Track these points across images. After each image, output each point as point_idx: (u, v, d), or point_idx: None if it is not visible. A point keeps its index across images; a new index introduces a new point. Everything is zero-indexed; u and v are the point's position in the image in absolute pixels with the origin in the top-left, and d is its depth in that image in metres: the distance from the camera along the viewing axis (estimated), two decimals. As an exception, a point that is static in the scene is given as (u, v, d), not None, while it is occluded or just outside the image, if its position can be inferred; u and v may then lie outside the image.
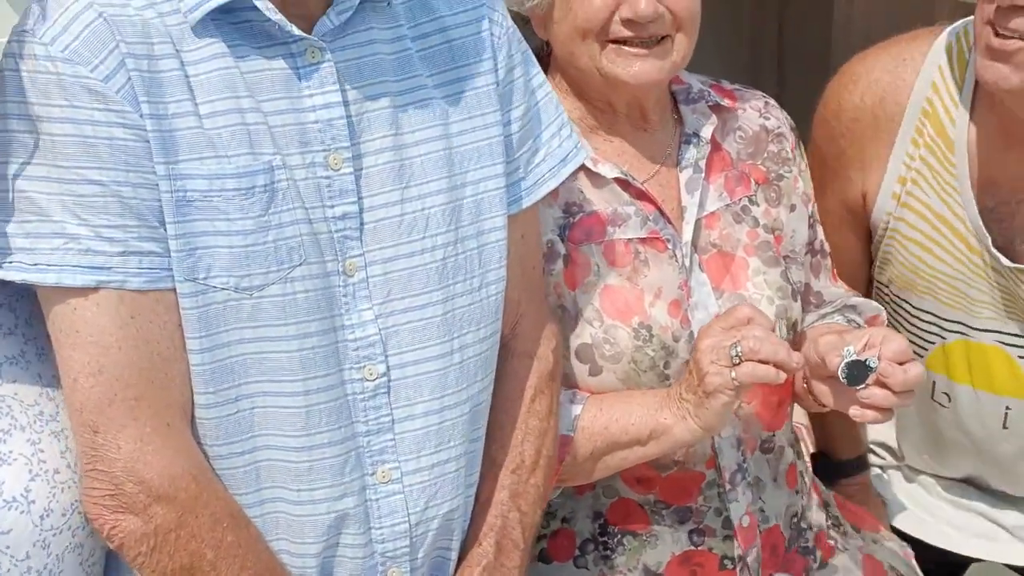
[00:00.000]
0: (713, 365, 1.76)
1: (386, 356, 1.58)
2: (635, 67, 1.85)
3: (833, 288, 2.15)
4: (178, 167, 1.46)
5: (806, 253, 2.08)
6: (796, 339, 2.03)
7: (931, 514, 2.39)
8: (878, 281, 2.26)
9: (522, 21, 1.93)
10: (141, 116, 1.44)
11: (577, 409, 1.88)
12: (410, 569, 1.64)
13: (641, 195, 1.94)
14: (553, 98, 1.77)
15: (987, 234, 2.04)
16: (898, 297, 2.21)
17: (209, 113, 1.47)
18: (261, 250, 1.49)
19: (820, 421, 2.30)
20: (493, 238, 1.65)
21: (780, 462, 2.05)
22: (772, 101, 2.12)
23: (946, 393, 2.20)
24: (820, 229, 2.13)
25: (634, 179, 1.94)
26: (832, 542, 2.16)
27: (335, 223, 1.53)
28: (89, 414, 1.47)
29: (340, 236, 1.54)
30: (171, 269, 1.48)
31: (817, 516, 2.16)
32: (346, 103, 1.53)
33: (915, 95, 2.09)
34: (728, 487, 1.98)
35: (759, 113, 2.08)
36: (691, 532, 2.00)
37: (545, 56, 2.01)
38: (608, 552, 2.02)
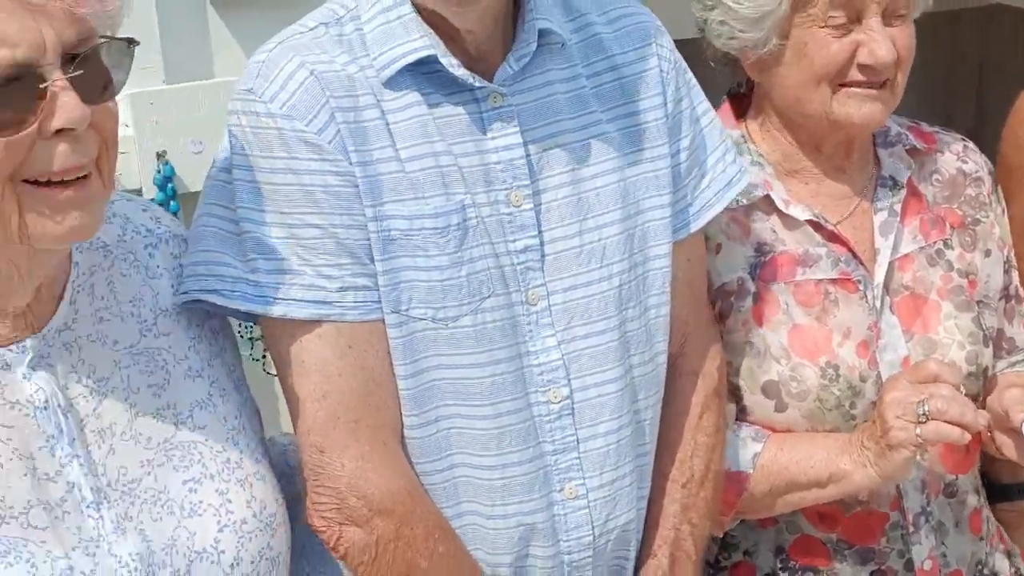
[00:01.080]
0: (898, 420, 1.77)
1: (569, 380, 1.67)
2: (865, 109, 1.88)
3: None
4: (383, 208, 1.58)
5: (1000, 299, 2.06)
6: (987, 386, 2.01)
7: None
8: None
9: (724, 60, 1.97)
10: (351, 164, 1.57)
11: (758, 447, 1.91)
12: None
13: (833, 237, 1.96)
14: (717, 124, 1.82)
15: None
16: None
17: (408, 158, 1.59)
18: (455, 283, 1.60)
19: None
20: (657, 265, 1.72)
21: (964, 507, 2.04)
22: (971, 144, 2.11)
23: None
24: (1015, 275, 2.11)
25: (827, 221, 1.96)
26: None
27: (517, 256, 1.63)
28: (316, 435, 1.60)
29: (523, 268, 1.63)
30: (380, 302, 1.59)
31: (1001, 563, 2.12)
32: (526, 143, 1.62)
33: None
34: (912, 529, 1.98)
35: (957, 156, 2.07)
36: (872, 573, 2.00)
37: (745, 95, 2.05)
38: (789, 587, 2.04)
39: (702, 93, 1.81)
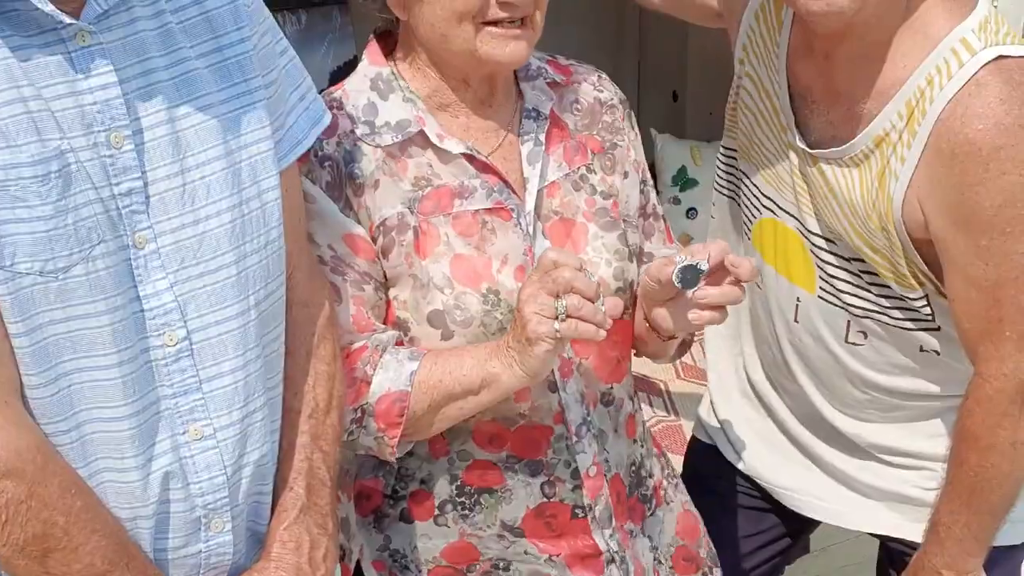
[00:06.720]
0: (536, 315, 1.84)
1: (185, 321, 1.66)
2: (509, 47, 1.94)
3: (666, 250, 2.27)
4: None
5: (639, 217, 2.21)
6: (633, 298, 2.16)
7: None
8: (726, 147, 2.41)
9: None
10: None
11: (414, 365, 1.96)
12: (231, 518, 1.73)
13: (486, 168, 2.03)
14: (298, 63, 1.85)
15: (792, 114, 2.19)
16: (737, 168, 2.37)
17: None
18: (62, 233, 1.54)
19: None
20: (271, 197, 1.74)
21: (620, 413, 2.18)
22: (604, 75, 2.23)
23: (760, 270, 2.34)
24: (653, 195, 2.26)
25: (479, 153, 2.03)
26: (663, 493, 2.31)
27: (122, 200, 1.59)
28: None
29: (128, 211, 1.60)
30: None
31: (655, 467, 2.29)
32: (121, 82, 1.58)
33: None
34: (575, 439, 2.09)
35: (593, 86, 2.19)
36: (543, 484, 2.11)
37: (392, 32, 2.07)
38: (466, 511, 2.11)
39: (281, 32, 1.83)
